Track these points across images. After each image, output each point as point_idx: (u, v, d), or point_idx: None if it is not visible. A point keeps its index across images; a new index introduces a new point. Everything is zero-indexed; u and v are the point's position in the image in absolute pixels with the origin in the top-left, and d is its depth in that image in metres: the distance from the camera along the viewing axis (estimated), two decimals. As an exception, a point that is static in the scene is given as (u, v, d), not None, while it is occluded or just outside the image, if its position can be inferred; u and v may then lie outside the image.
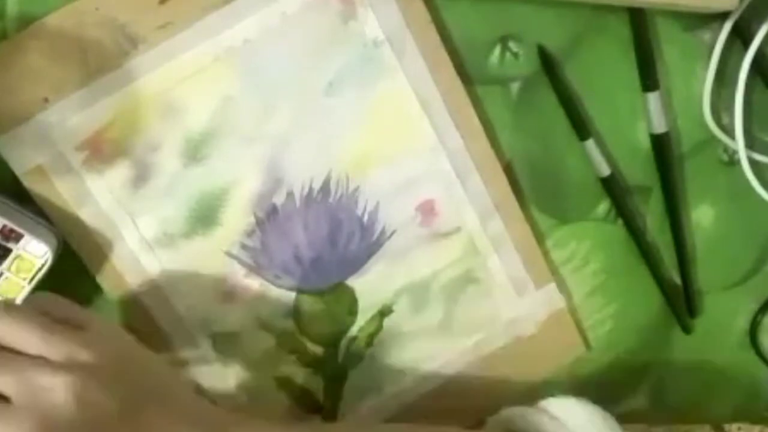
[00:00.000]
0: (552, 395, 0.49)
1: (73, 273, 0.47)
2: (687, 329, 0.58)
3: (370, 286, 0.51)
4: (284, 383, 0.52)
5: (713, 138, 0.53)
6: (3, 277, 0.44)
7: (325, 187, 0.49)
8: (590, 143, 0.51)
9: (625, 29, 0.50)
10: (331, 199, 0.49)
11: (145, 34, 0.44)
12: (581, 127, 0.51)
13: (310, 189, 0.49)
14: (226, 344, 0.50)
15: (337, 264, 0.50)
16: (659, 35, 0.51)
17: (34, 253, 0.44)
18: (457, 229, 0.51)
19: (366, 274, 0.51)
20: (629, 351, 0.58)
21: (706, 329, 0.58)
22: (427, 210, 0.51)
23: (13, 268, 0.44)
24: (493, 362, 0.55)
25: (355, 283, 0.51)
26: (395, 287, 0.52)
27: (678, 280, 0.57)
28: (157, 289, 0.48)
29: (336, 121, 0.48)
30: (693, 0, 0.47)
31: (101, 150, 0.45)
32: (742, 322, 0.59)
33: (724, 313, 0.58)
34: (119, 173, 0.46)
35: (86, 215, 0.46)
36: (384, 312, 0.52)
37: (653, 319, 0.58)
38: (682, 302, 0.57)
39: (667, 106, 0.52)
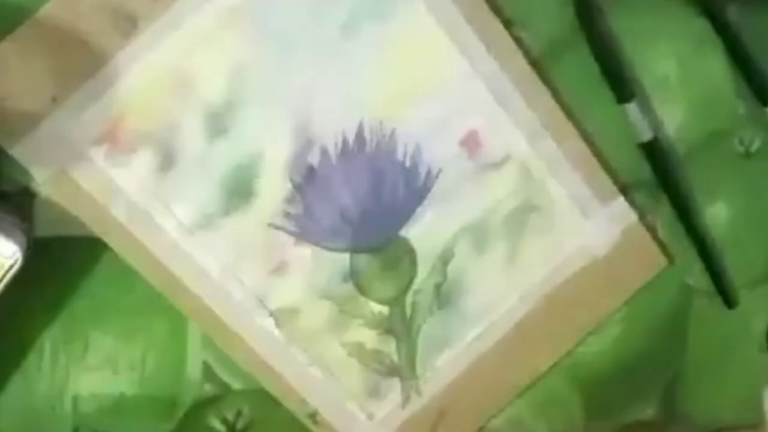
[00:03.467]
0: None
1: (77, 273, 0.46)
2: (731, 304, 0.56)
3: (426, 233, 0.49)
4: (355, 350, 0.50)
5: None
6: (-31, 278, 0.41)
7: (360, 137, 0.46)
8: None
9: None
10: (368, 149, 0.47)
11: (142, 9, 0.42)
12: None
13: (344, 142, 0.46)
14: (288, 320, 0.48)
15: (385, 216, 0.48)
16: None
17: (3, 253, 0.41)
18: (507, 157, 0.49)
19: (419, 221, 0.49)
20: (640, 355, 0.55)
21: (724, 332, 0.56)
22: (472, 142, 0.48)
23: None
24: (569, 291, 0.52)
25: (409, 233, 0.49)
26: (452, 230, 0.49)
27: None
28: (205, 274, 0.46)
29: (358, 65, 0.45)
30: None
31: (120, 140, 0.43)
32: (761, 325, 0.56)
33: (742, 316, 0.56)
34: (143, 161, 0.44)
35: (119, 211, 0.44)
36: (445, 258, 0.50)
37: (665, 322, 0.55)
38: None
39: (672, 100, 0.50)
